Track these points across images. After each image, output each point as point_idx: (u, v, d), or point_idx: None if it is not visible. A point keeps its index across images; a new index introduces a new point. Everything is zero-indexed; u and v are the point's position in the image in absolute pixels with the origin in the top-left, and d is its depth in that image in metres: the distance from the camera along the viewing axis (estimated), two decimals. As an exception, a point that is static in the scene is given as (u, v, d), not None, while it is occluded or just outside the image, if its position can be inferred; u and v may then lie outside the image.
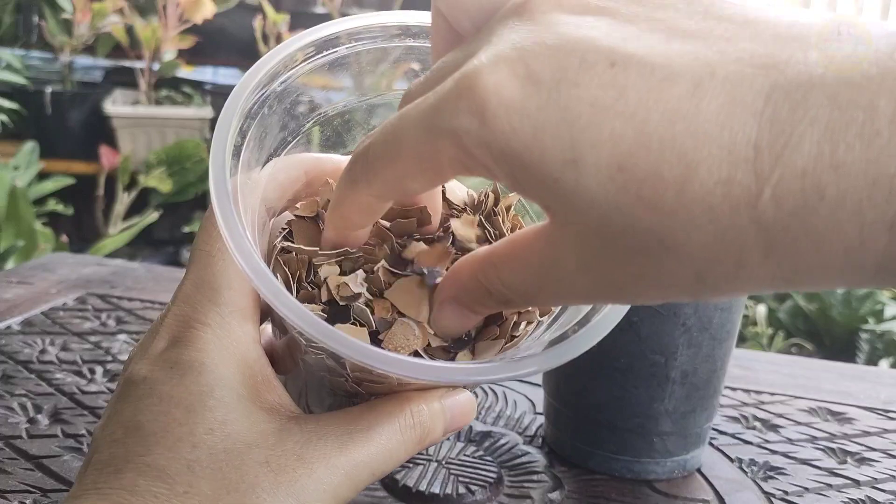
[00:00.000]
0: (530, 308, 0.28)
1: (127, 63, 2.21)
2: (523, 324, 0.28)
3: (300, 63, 0.29)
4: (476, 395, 0.50)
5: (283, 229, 0.29)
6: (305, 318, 0.23)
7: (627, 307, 0.26)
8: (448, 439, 0.43)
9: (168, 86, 2.25)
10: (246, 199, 0.26)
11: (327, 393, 0.29)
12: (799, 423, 0.49)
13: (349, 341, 0.23)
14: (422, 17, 0.29)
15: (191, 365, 0.25)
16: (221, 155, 0.25)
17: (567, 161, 0.18)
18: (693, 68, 0.18)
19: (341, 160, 0.31)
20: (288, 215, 0.30)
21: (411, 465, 0.40)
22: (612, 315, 0.25)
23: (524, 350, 0.27)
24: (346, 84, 0.31)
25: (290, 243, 0.28)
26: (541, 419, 0.47)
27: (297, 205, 0.30)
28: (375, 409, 0.26)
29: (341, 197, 0.25)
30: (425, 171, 0.21)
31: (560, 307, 0.28)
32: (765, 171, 0.17)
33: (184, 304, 0.26)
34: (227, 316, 0.26)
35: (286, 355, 0.30)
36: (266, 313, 0.31)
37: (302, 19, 2.27)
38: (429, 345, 0.27)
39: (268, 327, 0.32)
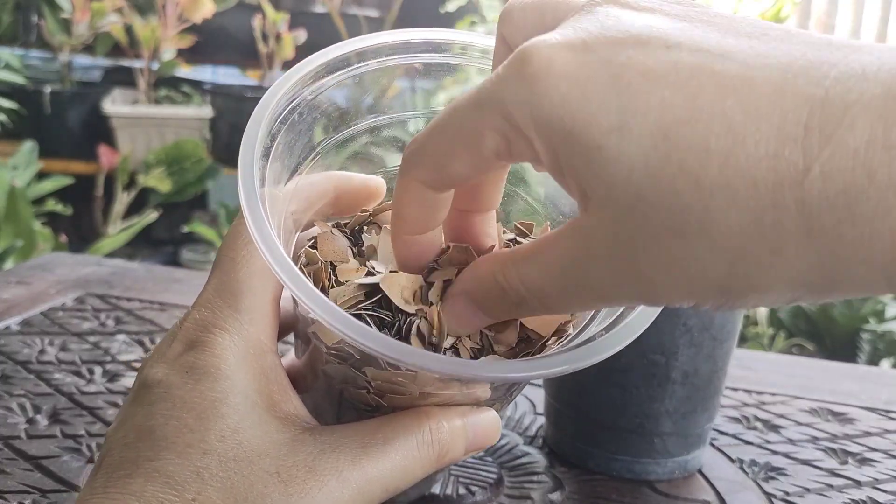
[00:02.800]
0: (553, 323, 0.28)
1: (126, 62, 2.21)
2: (552, 339, 0.28)
3: (334, 73, 0.29)
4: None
5: (310, 240, 0.29)
6: (324, 306, 0.22)
7: (658, 310, 0.25)
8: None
9: (167, 85, 2.24)
10: (274, 208, 0.26)
11: (347, 408, 0.28)
12: (800, 424, 0.49)
13: (368, 332, 0.22)
14: (455, 36, 0.29)
15: (206, 370, 0.24)
16: (250, 153, 0.25)
17: (612, 127, 0.18)
18: (748, 55, 0.18)
19: (370, 178, 0.30)
20: (316, 230, 0.29)
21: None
22: (645, 316, 0.25)
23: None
24: (372, 100, 0.31)
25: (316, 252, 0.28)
26: (541, 420, 0.47)
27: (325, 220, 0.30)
28: (392, 423, 0.25)
29: (398, 191, 0.24)
30: (468, 148, 0.21)
31: (587, 320, 0.28)
32: (814, 150, 0.16)
33: (203, 309, 0.26)
34: (247, 323, 0.26)
35: (308, 372, 0.29)
36: (288, 329, 0.31)
37: (301, 18, 2.27)
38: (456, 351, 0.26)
39: (290, 353, 0.32)
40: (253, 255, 0.27)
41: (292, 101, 0.28)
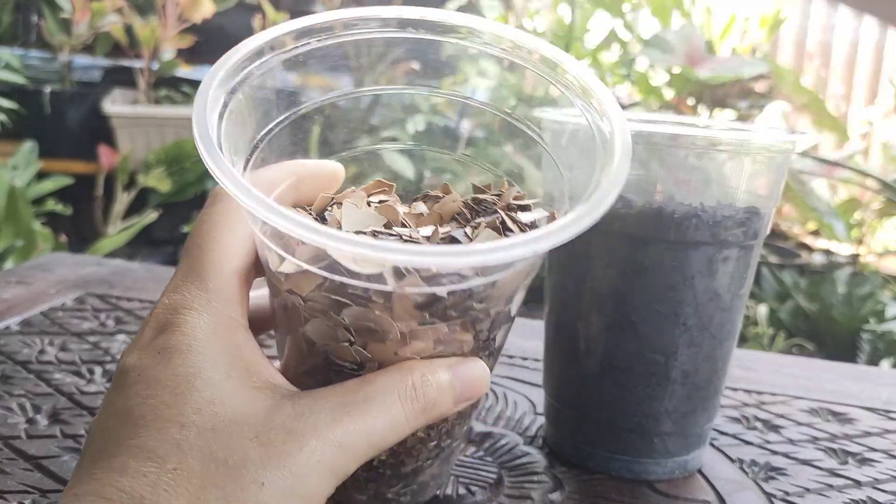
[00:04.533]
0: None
1: (126, 62, 2.21)
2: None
3: (286, 49, 0.29)
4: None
5: None
6: (252, 194, 0.23)
7: (624, 178, 0.26)
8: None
9: (167, 85, 2.24)
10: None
11: (334, 374, 0.28)
12: (800, 424, 0.49)
13: (295, 215, 0.23)
14: (411, 12, 0.30)
15: (177, 348, 0.25)
16: (204, 99, 0.26)
17: None
18: None
19: (328, 162, 0.31)
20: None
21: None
22: (613, 182, 0.26)
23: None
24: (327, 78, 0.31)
25: None
26: (541, 420, 0.47)
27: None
28: (374, 379, 0.26)
29: None
30: None
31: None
32: None
33: (173, 294, 0.27)
34: (215, 301, 0.26)
35: (292, 357, 0.30)
36: (266, 325, 0.31)
37: (302, 19, 2.27)
38: None
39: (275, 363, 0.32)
40: (218, 240, 0.27)
41: (247, 67, 0.28)
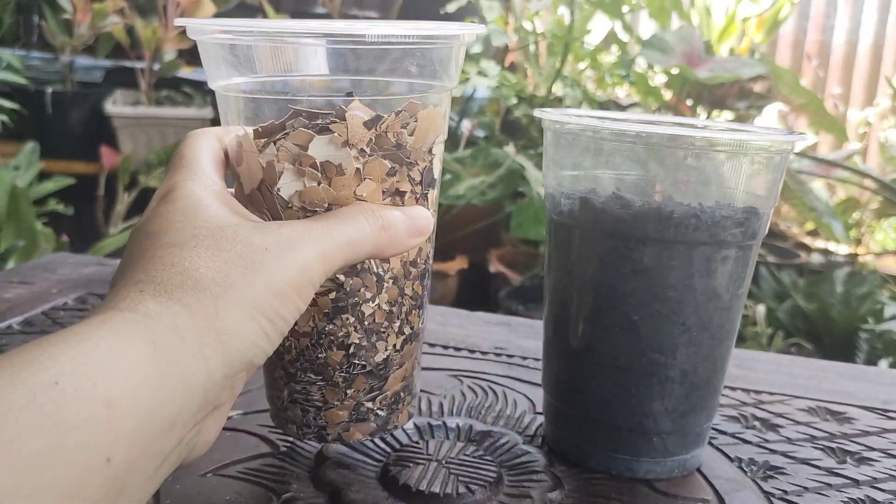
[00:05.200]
0: None
1: (127, 63, 2.21)
2: None
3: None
4: (477, 394, 0.50)
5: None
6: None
7: None
8: (447, 438, 0.44)
9: (168, 86, 2.25)
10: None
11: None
12: (798, 423, 0.49)
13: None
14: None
15: (179, 196, 0.31)
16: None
17: None
18: None
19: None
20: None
21: (411, 464, 0.40)
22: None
23: None
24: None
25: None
26: (540, 419, 0.47)
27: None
28: (340, 209, 0.32)
29: None
30: None
31: None
32: None
33: (167, 181, 0.32)
34: (199, 177, 0.32)
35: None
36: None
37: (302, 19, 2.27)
38: None
39: None
40: (192, 144, 0.33)
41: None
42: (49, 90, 2.09)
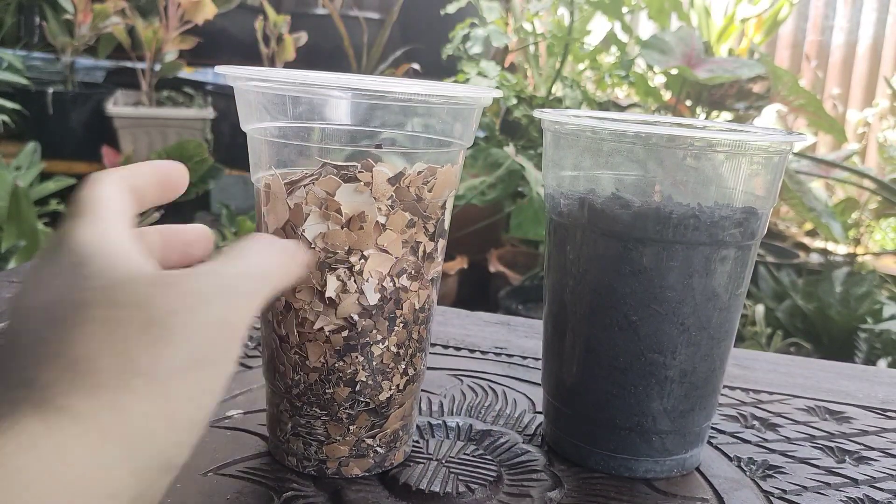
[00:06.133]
0: None
1: (128, 64, 2.22)
2: None
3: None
4: (476, 394, 0.50)
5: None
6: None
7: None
8: (447, 437, 0.44)
9: (169, 86, 2.25)
10: None
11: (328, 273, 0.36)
12: (797, 423, 0.50)
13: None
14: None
15: (66, 250, 0.25)
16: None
17: None
18: None
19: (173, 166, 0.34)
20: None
21: (411, 463, 0.40)
22: None
23: None
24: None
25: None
26: (540, 418, 0.47)
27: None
28: (238, 245, 0.28)
29: None
30: None
31: None
32: None
33: (55, 233, 0.27)
34: (97, 221, 0.27)
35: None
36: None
37: (303, 20, 2.28)
38: None
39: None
40: (93, 187, 0.28)
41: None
42: (50, 91, 2.09)
